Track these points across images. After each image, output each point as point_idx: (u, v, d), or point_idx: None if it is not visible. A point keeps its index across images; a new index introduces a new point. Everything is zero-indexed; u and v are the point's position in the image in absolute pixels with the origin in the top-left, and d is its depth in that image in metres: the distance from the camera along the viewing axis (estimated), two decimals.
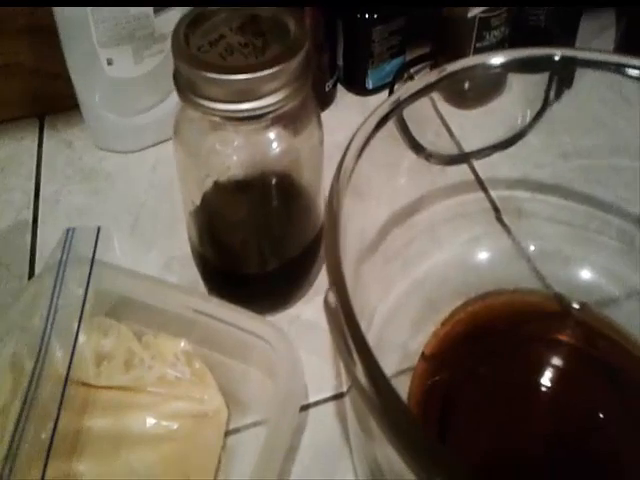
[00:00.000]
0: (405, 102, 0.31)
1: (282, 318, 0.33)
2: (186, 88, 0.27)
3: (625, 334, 0.30)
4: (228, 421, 0.28)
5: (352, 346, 0.18)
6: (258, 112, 0.27)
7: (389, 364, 0.30)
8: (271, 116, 0.27)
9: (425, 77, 0.33)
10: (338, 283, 0.19)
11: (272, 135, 0.28)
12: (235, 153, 0.29)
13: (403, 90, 0.31)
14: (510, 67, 0.38)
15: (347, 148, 0.26)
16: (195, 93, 0.27)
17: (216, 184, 0.30)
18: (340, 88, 0.48)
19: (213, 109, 0.27)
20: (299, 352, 0.27)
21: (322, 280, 0.36)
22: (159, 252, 0.36)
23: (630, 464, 0.26)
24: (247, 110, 0.27)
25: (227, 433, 0.28)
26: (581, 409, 0.28)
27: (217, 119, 0.27)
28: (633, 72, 0.34)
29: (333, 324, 0.19)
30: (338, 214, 0.23)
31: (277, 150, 0.29)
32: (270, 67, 0.26)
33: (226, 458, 0.27)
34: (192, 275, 0.34)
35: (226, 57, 0.27)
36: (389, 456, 0.18)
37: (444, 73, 0.34)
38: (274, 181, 0.30)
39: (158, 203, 0.39)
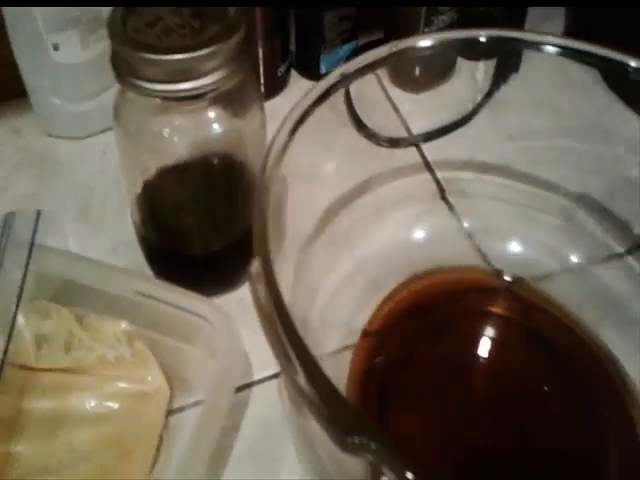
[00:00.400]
0: (347, 79, 0.31)
1: (230, 299, 0.33)
2: (124, 70, 0.27)
3: (560, 307, 0.31)
4: (171, 400, 0.28)
5: (276, 318, 0.18)
6: (196, 92, 0.27)
7: (333, 340, 0.31)
8: (210, 96, 0.27)
9: (368, 54, 0.32)
10: (263, 253, 0.20)
11: (212, 115, 0.28)
12: (176, 135, 0.29)
13: (347, 65, 0.31)
14: (455, 46, 0.38)
15: (284, 120, 0.26)
16: (133, 75, 0.27)
17: (158, 166, 0.30)
18: (294, 73, 0.48)
19: (151, 90, 0.27)
20: (244, 332, 0.27)
21: (278, 259, 0.36)
22: (106, 237, 0.36)
23: (563, 433, 0.27)
24: (185, 90, 0.27)
25: (170, 412, 0.28)
26: (517, 380, 0.29)
27: (156, 100, 0.27)
28: (578, 55, 0.34)
29: (255, 294, 0.19)
30: (268, 186, 0.23)
31: (218, 131, 0.29)
32: (207, 47, 0.26)
33: (168, 437, 0.27)
34: (138, 259, 0.34)
35: (163, 38, 0.27)
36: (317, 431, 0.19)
37: (389, 51, 0.33)
38: (217, 163, 0.30)
39: (107, 188, 0.39)
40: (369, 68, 0.33)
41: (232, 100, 0.29)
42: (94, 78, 0.41)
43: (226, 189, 0.31)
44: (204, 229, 0.31)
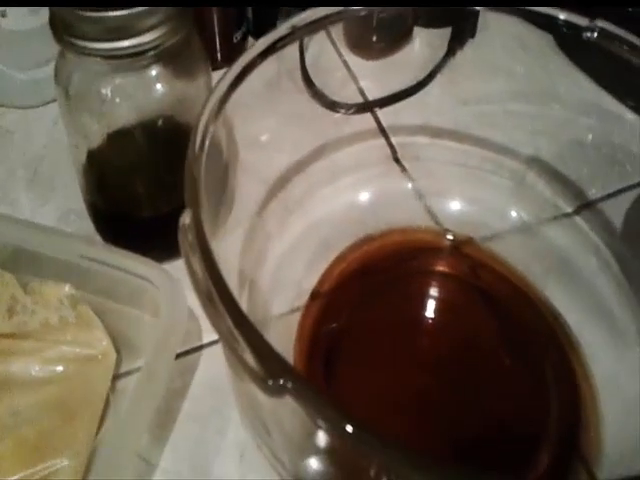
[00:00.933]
0: (298, 32, 0.30)
1: (181, 265, 0.33)
2: (62, 30, 0.26)
3: (507, 265, 0.31)
4: (118, 364, 0.28)
5: (203, 263, 0.18)
6: (136, 49, 0.26)
7: (283, 302, 0.31)
8: (151, 54, 0.27)
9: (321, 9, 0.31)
10: (194, 205, 0.20)
11: (154, 75, 0.28)
12: (118, 95, 0.28)
13: (298, 18, 0.30)
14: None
15: (227, 71, 0.26)
16: (71, 34, 0.26)
17: (102, 130, 0.29)
18: (251, 40, 0.48)
19: (90, 49, 0.26)
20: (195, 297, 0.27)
21: (230, 223, 0.36)
22: (57, 205, 0.35)
23: (508, 388, 0.28)
24: (125, 48, 0.26)
25: (118, 376, 0.28)
26: (464, 337, 0.29)
27: (96, 60, 0.27)
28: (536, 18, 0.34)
29: (185, 245, 0.19)
30: (206, 136, 0.22)
31: (161, 91, 0.28)
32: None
33: (115, 400, 0.27)
34: (89, 227, 0.34)
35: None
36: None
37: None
38: (162, 125, 0.29)
39: (58, 157, 0.38)
40: (322, 22, 0.32)
41: (175, 60, 0.28)
42: (44, 45, 0.40)
43: (173, 152, 0.30)
44: (151, 193, 0.31)
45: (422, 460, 0.15)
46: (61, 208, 0.35)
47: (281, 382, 0.15)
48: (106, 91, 0.28)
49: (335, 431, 0.15)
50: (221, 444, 0.26)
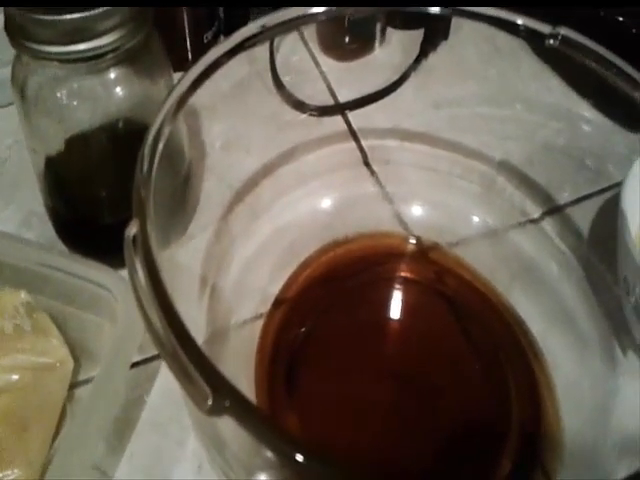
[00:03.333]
0: (268, 32, 0.29)
1: None
2: (17, 33, 0.26)
3: (473, 271, 0.31)
4: (76, 373, 0.27)
5: (149, 286, 0.17)
6: (93, 52, 0.26)
7: (247, 309, 0.30)
8: (109, 57, 0.26)
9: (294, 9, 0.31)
10: (140, 214, 0.19)
11: (113, 78, 0.27)
12: (75, 99, 0.28)
13: (270, 17, 0.29)
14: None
15: (189, 69, 0.25)
16: (26, 38, 0.26)
17: (61, 134, 0.29)
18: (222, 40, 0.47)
19: (46, 53, 0.26)
20: None
21: (194, 227, 0.35)
22: (18, 208, 0.35)
23: (469, 394, 0.28)
24: (81, 51, 0.26)
25: (77, 384, 0.27)
26: (428, 343, 0.29)
27: (53, 63, 0.26)
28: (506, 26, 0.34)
29: (130, 258, 0.18)
30: (159, 138, 0.22)
31: (120, 94, 0.28)
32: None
33: (72, 410, 0.26)
34: (51, 230, 0.33)
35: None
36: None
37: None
38: (123, 128, 0.29)
39: (21, 159, 0.37)
40: (293, 22, 0.32)
41: (135, 62, 0.28)
42: (9, 45, 0.40)
43: (134, 156, 0.30)
44: (111, 198, 0.30)
45: None
46: (23, 211, 0.35)
47: (220, 401, 0.15)
48: (63, 95, 0.27)
49: (275, 452, 0.15)
50: (179, 454, 0.26)
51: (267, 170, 0.35)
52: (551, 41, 0.27)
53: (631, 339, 0.28)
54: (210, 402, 0.15)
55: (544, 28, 0.27)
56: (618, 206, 0.28)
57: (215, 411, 0.15)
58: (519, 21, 0.26)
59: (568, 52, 0.27)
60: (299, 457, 0.15)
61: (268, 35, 0.30)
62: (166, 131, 0.23)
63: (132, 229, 0.19)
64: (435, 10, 0.29)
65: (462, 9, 0.28)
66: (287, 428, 0.26)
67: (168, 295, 0.17)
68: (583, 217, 0.33)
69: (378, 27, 0.45)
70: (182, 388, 0.15)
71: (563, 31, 0.26)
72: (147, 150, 0.21)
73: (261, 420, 0.15)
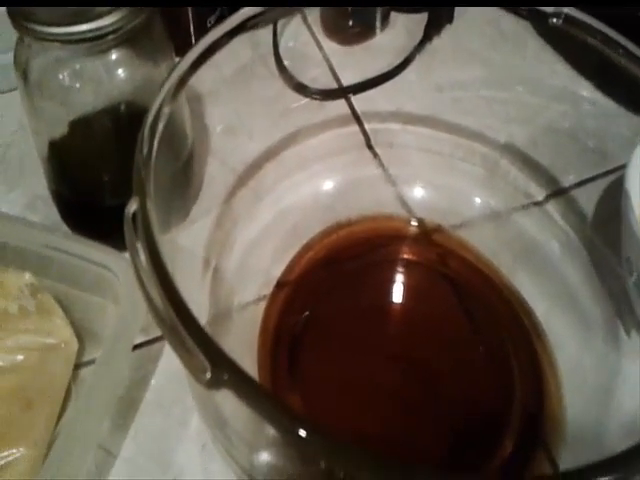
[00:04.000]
0: (269, 13, 0.29)
1: None
2: (20, 16, 0.26)
3: (476, 253, 0.31)
4: (81, 353, 0.27)
5: (149, 264, 0.17)
6: (95, 33, 0.26)
7: (250, 290, 0.30)
8: (110, 38, 0.26)
9: None
10: (140, 192, 0.19)
11: (114, 58, 0.27)
12: (78, 81, 0.28)
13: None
14: None
15: (190, 50, 0.25)
16: (28, 19, 0.26)
17: (64, 116, 0.29)
18: None
19: (48, 34, 0.26)
20: None
21: (197, 210, 0.35)
22: (23, 192, 0.35)
23: (473, 377, 0.28)
24: (83, 32, 0.26)
25: (82, 365, 0.28)
26: (431, 325, 0.29)
27: (55, 44, 0.26)
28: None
29: (130, 235, 0.18)
30: (159, 118, 0.22)
31: (122, 76, 0.28)
32: None
33: (77, 390, 0.27)
34: (56, 213, 0.33)
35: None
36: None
37: None
38: (125, 110, 0.29)
39: (26, 144, 0.37)
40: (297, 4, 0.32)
41: (136, 44, 0.28)
42: (10, 29, 0.40)
43: (136, 139, 0.30)
44: (114, 180, 0.30)
45: (368, 459, 0.15)
46: (28, 195, 0.35)
47: (219, 374, 0.15)
48: (66, 77, 0.27)
49: (274, 425, 0.15)
50: (183, 434, 0.26)
51: (270, 154, 0.35)
52: (554, 20, 0.26)
53: (634, 319, 0.28)
54: (209, 375, 0.15)
55: (547, 8, 0.27)
56: (622, 187, 0.28)
57: (214, 384, 0.15)
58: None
59: (572, 31, 0.26)
60: (302, 432, 0.15)
61: (270, 16, 0.30)
62: (166, 111, 0.23)
63: (132, 207, 0.19)
64: None
65: None
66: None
67: (167, 271, 0.17)
68: (587, 199, 0.33)
69: (382, 11, 0.45)
70: (182, 362, 0.15)
71: (567, 10, 0.26)
72: (147, 130, 0.21)
73: (260, 393, 0.15)
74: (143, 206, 0.18)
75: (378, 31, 0.44)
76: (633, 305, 0.27)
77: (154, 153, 0.21)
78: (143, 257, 0.18)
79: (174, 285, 0.16)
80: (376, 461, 0.15)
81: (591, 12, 0.27)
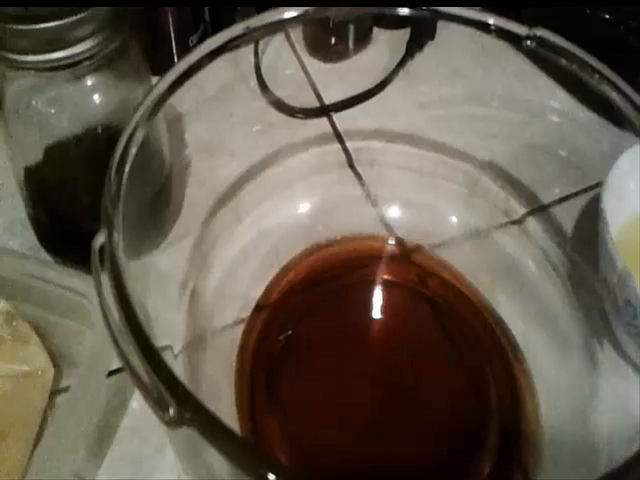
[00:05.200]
0: (252, 33, 0.28)
1: None
2: None
3: (455, 273, 0.31)
4: (58, 380, 0.27)
5: (115, 296, 0.17)
6: (69, 61, 0.26)
7: (229, 313, 0.30)
8: (85, 64, 0.26)
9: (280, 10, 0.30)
10: (108, 223, 0.19)
11: (90, 84, 0.27)
12: (53, 107, 0.28)
13: (254, 19, 0.29)
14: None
15: (170, 70, 0.25)
16: (3, 48, 0.26)
17: (40, 142, 0.29)
18: None
19: (22, 62, 0.26)
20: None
21: (176, 232, 0.35)
22: (2, 215, 0.35)
23: (451, 396, 0.28)
24: (57, 60, 0.26)
25: (58, 392, 0.27)
26: (410, 346, 0.29)
27: (29, 72, 0.26)
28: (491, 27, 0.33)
29: (96, 269, 0.18)
30: (131, 141, 0.22)
31: (98, 101, 0.28)
32: (76, 13, 0.25)
33: (53, 417, 0.26)
34: (35, 238, 0.33)
35: (30, 7, 0.26)
36: None
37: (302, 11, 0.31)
38: (103, 135, 0.29)
39: (4, 168, 0.37)
40: (278, 24, 0.32)
41: (112, 68, 0.28)
42: None
43: None
44: (92, 205, 0.30)
45: None
46: (8, 218, 0.35)
47: (182, 413, 0.15)
48: (41, 103, 0.27)
49: (240, 466, 0.15)
50: (159, 462, 0.26)
51: (251, 174, 0.35)
52: (528, 42, 0.27)
53: (612, 339, 0.28)
54: (172, 413, 0.15)
55: (521, 30, 0.27)
56: (599, 206, 0.28)
57: (177, 423, 0.15)
58: (491, 21, 0.26)
59: (545, 53, 0.27)
60: (269, 475, 0.15)
61: (252, 36, 0.30)
62: (139, 136, 0.23)
63: (98, 241, 0.19)
64: (405, 11, 0.28)
65: (437, 10, 0.28)
66: (268, 432, 0.26)
67: (132, 306, 0.17)
68: (567, 217, 0.33)
69: (364, 27, 0.45)
70: (144, 398, 0.15)
71: (539, 32, 0.26)
72: (118, 158, 0.21)
73: (225, 434, 0.15)
74: (109, 240, 0.18)
75: (361, 48, 0.44)
76: (611, 325, 0.27)
77: (124, 183, 0.21)
78: (108, 289, 0.18)
79: (138, 320, 0.16)
80: None
81: (568, 29, 0.27)
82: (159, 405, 0.15)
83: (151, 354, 0.16)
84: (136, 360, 0.16)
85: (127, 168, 0.22)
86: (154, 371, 0.15)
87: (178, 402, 0.15)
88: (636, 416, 0.24)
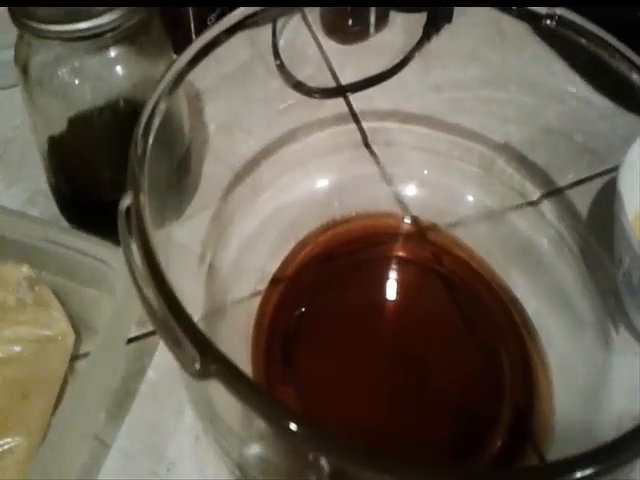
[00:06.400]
0: (268, 12, 0.29)
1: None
2: (19, 13, 0.26)
3: (470, 252, 0.31)
4: (77, 345, 0.28)
5: (142, 256, 0.18)
6: (94, 31, 0.26)
7: (246, 286, 0.31)
8: (109, 35, 0.27)
9: None
10: (135, 186, 0.20)
11: (113, 56, 0.28)
12: (77, 77, 0.28)
13: None
14: None
15: (191, 45, 0.25)
16: (28, 17, 0.26)
17: (64, 113, 0.29)
18: None
19: (48, 31, 0.26)
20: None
21: (194, 206, 0.35)
22: (24, 186, 0.35)
23: (466, 374, 0.28)
24: (82, 30, 0.26)
25: (78, 357, 0.28)
26: (425, 322, 0.29)
27: (54, 42, 0.27)
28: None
29: (124, 231, 0.19)
30: (154, 113, 0.22)
31: (121, 73, 0.28)
32: None
33: (74, 381, 0.27)
34: (56, 208, 0.34)
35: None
36: None
37: None
38: (124, 107, 0.29)
39: (28, 139, 0.38)
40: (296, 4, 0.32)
41: (135, 42, 0.28)
42: (12, 26, 0.40)
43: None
44: (112, 176, 0.31)
45: (356, 452, 0.15)
46: (29, 189, 0.35)
47: (207, 365, 0.15)
48: (65, 74, 0.28)
49: (261, 415, 0.15)
50: (177, 426, 0.27)
51: (268, 151, 0.35)
52: (548, 21, 0.27)
53: (625, 319, 0.28)
54: (197, 366, 0.15)
55: (541, 9, 0.27)
56: (615, 188, 0.28)
57: (202, 374, 0.15)
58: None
59: (565, 32, 0.27)
60: (291, 425, 0.15)
61: (269, 14, 0.30)
62: (162, 107, 0.23)
63: (125, 201, 0.19)
64: None
65: None
66: (284, 402, 0.27)
67: (160, 265, 0.17)
68: (582, 199, 0.33)
69: (380, 10, 0.45)
70: (172, 353, 0.16)
71: (559, 11, 0.26)
72: (143, 125, 0.22)
73: (248, 384, 0.15)
74: (136, 201, 0.19)
75: (377, 30, 0.44)
76: (625, 305, 0.28)
77: (149, 149, 0.21)
78: (136, 251, 0.18)
79: (165, 278, 0.17)
80: (364, 454, 0.15)
81: (587, 13, 0.28)
82: (186, 359, 0.15)
83: (178, 311, 0.16)
84: (162, 315, 0.16)
85: (152, 136, 0.22)
86: (181, 327, 0.16)
87: (204, 355, 0.15)
88: None
